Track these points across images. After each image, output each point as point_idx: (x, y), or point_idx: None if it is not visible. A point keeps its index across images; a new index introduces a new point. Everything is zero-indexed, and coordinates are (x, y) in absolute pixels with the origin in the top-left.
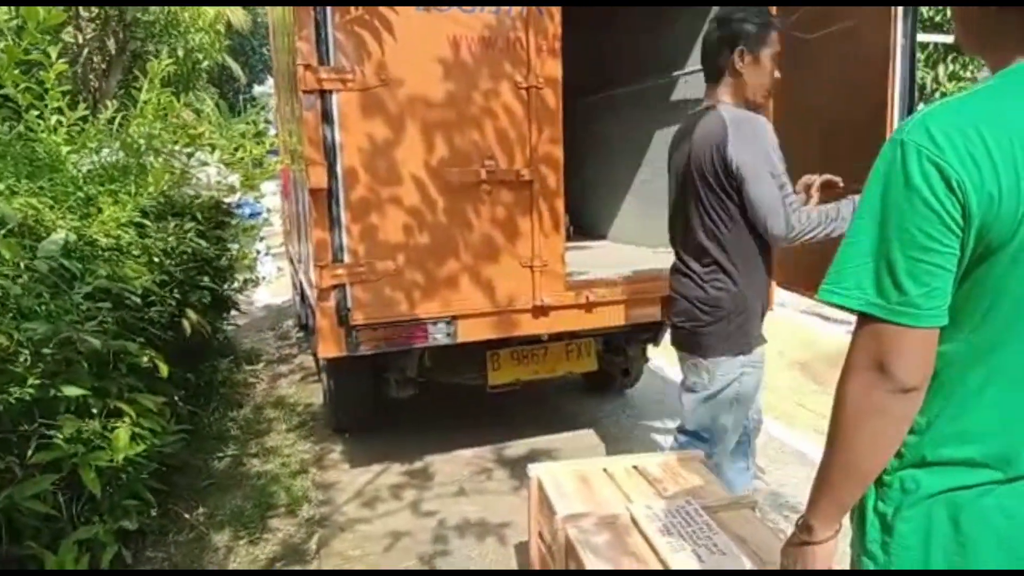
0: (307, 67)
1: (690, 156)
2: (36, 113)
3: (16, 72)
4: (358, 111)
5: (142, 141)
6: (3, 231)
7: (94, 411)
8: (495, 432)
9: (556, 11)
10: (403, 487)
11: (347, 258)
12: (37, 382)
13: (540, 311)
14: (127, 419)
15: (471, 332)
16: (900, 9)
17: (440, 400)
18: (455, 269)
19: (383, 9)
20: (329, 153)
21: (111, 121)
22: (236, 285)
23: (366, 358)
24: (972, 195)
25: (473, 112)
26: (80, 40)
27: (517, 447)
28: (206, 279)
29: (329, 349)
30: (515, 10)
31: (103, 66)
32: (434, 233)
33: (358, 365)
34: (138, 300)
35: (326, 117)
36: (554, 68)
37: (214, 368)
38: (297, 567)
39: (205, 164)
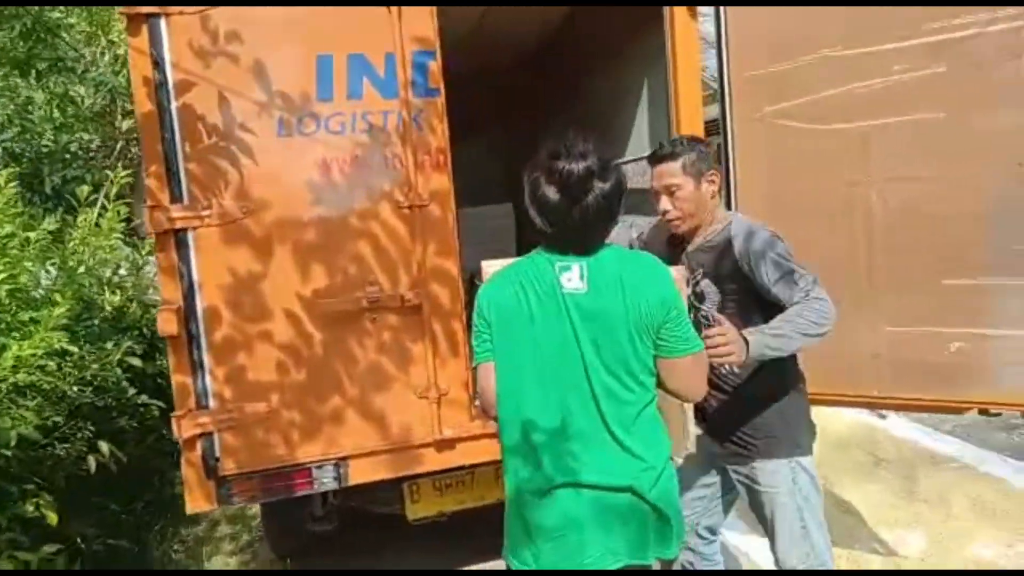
0: (155, 207)
1: None
2: None
3: None
4: (218, 245)
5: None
6: None
7: None
8: (454, 553)
9: (439, 123)
10: None
11: (212, 403)
12: None
13: (445, 444)
14: None
15: (364, 473)
16: None
17: (387, 527)
18: (340, 406)
19: (241, 134)
20: (187, 294)
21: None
22: None
23: None
24: None
25: (350, 236)
26: None
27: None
28: (144, 397)
29: (197, 503)
30: (391, 126)
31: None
32: (313, 368)
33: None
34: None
35: (181, 256)
36: (441, 182)
37: (171, 483)
38: None
39: None
